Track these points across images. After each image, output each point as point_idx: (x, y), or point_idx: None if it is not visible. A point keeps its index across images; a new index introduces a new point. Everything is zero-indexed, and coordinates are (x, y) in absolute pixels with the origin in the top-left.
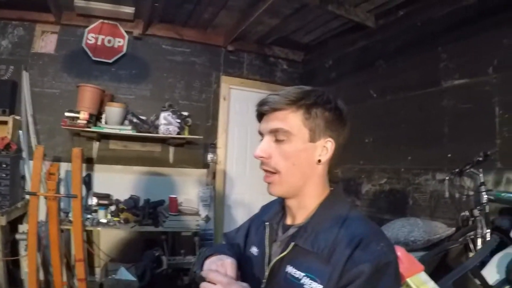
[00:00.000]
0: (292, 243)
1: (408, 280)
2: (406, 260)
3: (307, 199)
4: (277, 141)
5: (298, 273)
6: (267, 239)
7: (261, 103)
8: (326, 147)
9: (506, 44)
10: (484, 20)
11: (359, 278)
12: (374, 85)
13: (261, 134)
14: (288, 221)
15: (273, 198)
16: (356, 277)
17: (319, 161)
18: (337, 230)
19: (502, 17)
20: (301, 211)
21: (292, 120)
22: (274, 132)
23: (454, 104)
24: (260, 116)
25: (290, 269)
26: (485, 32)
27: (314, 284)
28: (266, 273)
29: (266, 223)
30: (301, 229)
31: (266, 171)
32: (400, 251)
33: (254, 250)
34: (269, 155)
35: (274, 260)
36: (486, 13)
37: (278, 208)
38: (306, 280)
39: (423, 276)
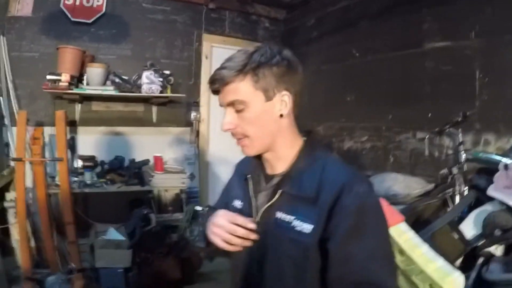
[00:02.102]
0: (280, 191)
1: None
2: (387, 211)
3: (282, 150)
4: (237, 111)
5: (288, 217)
6: (252, 190)
7: (211, 82)
8: (284, 101)
9: (489, 12)
10: None
11: (347, 219)
12: (356, 44)
13: (221, 106)
14: (269, 171)
15: None
16: (345, 218)
17: (281, 115)
18: (319, 174)
19: None
20: (279, 161)
21: (243, 89)
22: (232, 104)
23: (435, 65)
24: (215, 91)
25: (279, 215)
26: None
27: (305, 225)
28: (257, 221)
29: (248, 176)
30: (285, 176)
31: (237, 138)
32: (381, 202)
33: (237, 203)
34: (235, 125)
35: (263, 209)
36: None
37: (256, 161)
38: (296, 222)
39: (403, 226)
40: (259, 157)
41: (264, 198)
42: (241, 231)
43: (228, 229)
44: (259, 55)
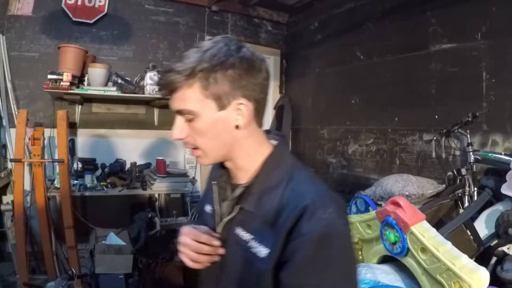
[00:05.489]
0: (238, 206)
1: (412, 228)
2: (409, 209)
3: (242, 161)
4: (187, 120)
5: (246, 236)
6: (216, 198)
7: (157, 85)
8: (240, 109)
9: (495, 12)
10: None
11: (305, 248)
12: (361, 47)
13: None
14: (234, 180)
15: None
16: (302, 246)
17: (237, 126)
18: (281, 191)
19: None
20: (241, 172)
21: (190, 96)
22: (180, 112)
23: (442, 67)
24: None
25: (238, 231)
26: None
27: (261, 248)
28: (219, 232)
29: (213, 182)
30: (246, 190)
31: (189, 148)
32: (402, 201)
33: (207, 208)
34: (185, 135)
35: (224, 221)
36: None
37: (223, 167)
38: (253, 243)
39: (426, 224)
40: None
41: (228, 208)
42: (206, 249)
43: (193, 248)
44: (211, 56)
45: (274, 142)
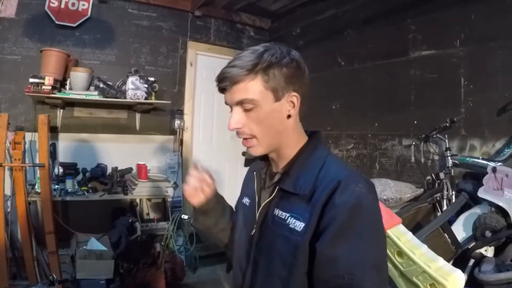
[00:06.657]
0: (277, 188)
1: (389, 231)
2: (385, 213)
3: (285, 150)
4: (246, 110)
5: (284, 214)
6: (256, 187)
7: (220, 79)
8: (292, 102)
9: (474, 20)
10: None
11: (337, 219)
12: (342, 53)
13: (228, 105)
14: (274, 169)
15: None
16: (335, 217)
17: (289, 116)
18: (317, 172)
19: None
20: (282, 160)
21: (253, 88)
22: (240, 103)
23: (421, 73)
24: (222, 89)
25: (277, 212)
26: (454, 7)
27: (298, 223)
28: (257, 217)
29: (254, 173)
30: (284, 174)
31: (243, 138)
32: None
33: (246, 200)
34: (242, 125)
35: (262, 204)
36: None
37: (264, 159)
38: (290, 220)
39: (402, 228)
40: (266, 156)
41: (266, 194)
42: (195, 174)
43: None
44: (269, 55)
45: (310, 135)
